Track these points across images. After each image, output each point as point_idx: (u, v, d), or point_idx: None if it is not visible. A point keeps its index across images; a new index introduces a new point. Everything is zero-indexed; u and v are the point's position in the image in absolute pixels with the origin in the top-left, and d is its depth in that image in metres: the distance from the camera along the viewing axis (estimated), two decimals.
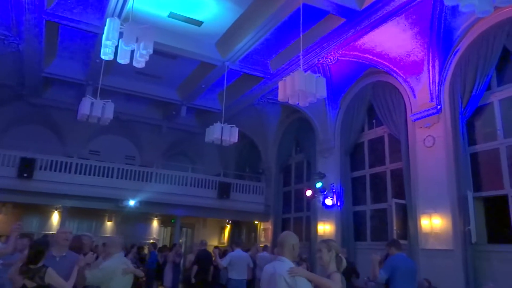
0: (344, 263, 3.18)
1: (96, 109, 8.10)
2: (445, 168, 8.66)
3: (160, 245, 14.53)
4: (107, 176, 12.77)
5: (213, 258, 9.18)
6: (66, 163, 12.35)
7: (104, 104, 8.22)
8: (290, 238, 3.04)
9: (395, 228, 9.27)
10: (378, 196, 10.97)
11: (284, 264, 2.94)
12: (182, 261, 11.91)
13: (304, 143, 13.84)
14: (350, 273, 7.75)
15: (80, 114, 8.15)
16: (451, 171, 8.53)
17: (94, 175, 12.57)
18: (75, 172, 12.33)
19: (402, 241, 9.03)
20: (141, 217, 15.73)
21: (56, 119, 14.91)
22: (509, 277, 7.16)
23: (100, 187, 12.42)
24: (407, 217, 9.29)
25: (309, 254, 11.30)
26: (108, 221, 15.94)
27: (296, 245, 3.01)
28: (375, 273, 5.08)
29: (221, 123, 9.70)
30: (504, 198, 7.92)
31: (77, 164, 12.49)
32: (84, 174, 12.44)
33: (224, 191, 14.17)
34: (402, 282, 4.93)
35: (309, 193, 12.18)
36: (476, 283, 7.47)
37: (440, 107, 9.02)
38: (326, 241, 3.20)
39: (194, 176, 14.28)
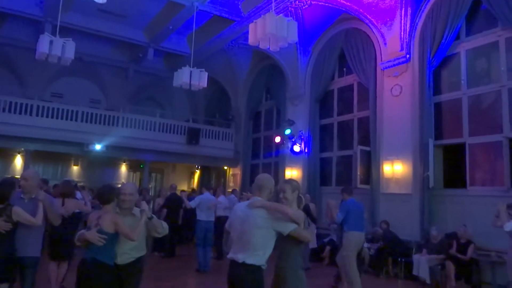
0: (303, 203, 3.38)
1: (55, 48, 7.60)
2: (410, 116, 8.91)
3: None
4: (72, 120, 12.34)
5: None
6: (27, 105, 11.79)
7: (64, 42, 7.72)
8: (270, 182, 3.15)
9: (358, 173, 9.65)
10: (345, 143, 11.26)
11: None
12: (151, 205, 12.00)
13: (274, 90, 13.78)
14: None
15: (38, 52, 7.64)
16: (415, 119, 8.80)
17: (57, 118, 12.11)
18: (37, 115, 11.83)
19: (364, 186, 9.51)
20: (108, 161, 15.55)
21: (13, 59, 14.00)
22: (458, 217, 7.88)
23: (64, 131, 12.02)
24: (371, 163, 9.66)
25: (276, 199, 11.60)
26: (74, 165, 15.71)
27: (273, 189, 3.15)
28: (332, 215, 6.20)
29: (190, 67, 9.42)
30: (462, 146, 8.33)
31: (38, 106, 11.96)
32: (47, 117, 11.96)
33: (193, 136, 14.10)
34: (354, 221, 6.02)
35: (278, 139, 12.34)
36: (430, 224, 8.02)
37: (409, 56, 9.09)
38: (289, 181, 3.29)
39: (163, 121, 14.06)
